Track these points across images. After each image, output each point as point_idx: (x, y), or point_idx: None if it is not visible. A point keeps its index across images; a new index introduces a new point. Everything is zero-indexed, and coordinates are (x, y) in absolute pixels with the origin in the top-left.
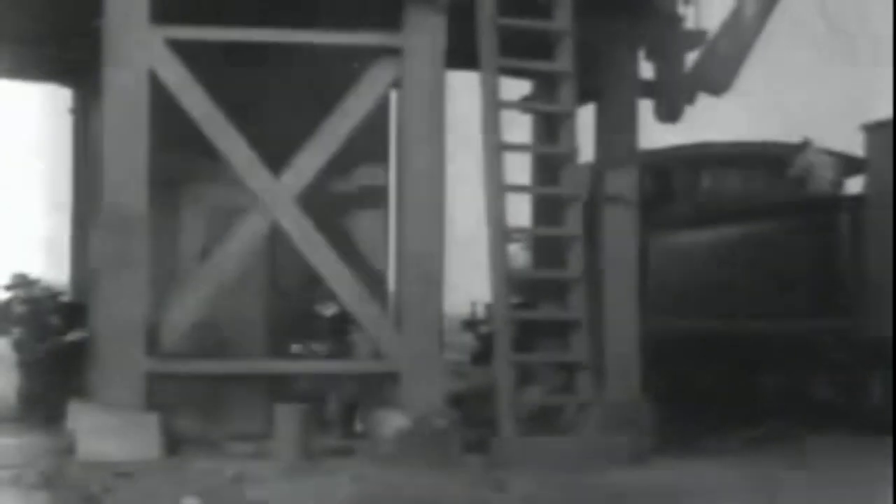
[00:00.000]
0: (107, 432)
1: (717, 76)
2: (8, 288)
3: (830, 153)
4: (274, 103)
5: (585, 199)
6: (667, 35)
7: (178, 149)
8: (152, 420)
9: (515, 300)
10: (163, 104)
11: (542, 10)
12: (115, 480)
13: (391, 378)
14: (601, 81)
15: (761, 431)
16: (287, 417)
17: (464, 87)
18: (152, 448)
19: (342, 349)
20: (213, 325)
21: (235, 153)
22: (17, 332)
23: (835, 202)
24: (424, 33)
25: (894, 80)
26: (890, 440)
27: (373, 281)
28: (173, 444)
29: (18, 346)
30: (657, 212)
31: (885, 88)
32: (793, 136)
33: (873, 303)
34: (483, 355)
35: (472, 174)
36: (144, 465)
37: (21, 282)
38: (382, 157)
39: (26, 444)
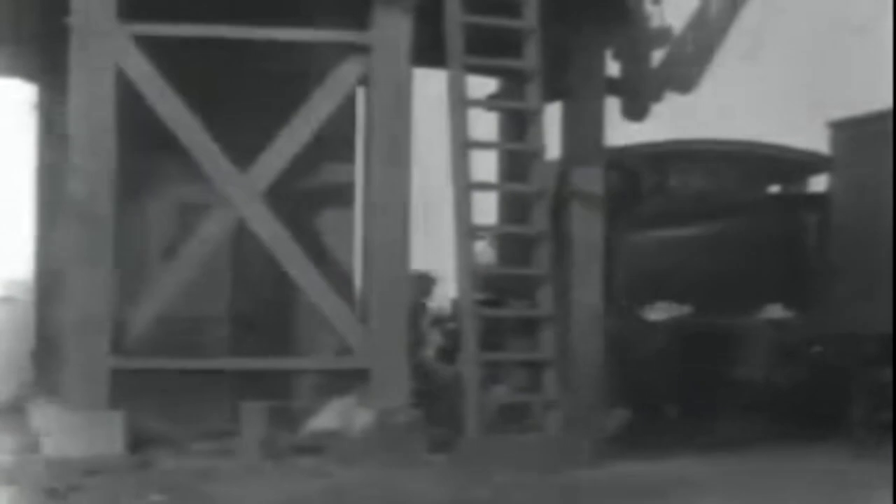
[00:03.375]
0: (71, 430)
1: (684, 74)
2: None
3: None
4: (241, 100)
5: (552, 197)
6: (633, 33)
7: (144, 145)
8: (117, 417)
9: (482, 297)
10: (130, 100)
11: (509, 8)
12: (81, 478)
13: (358, 375)
14: (568, 79)
15: (732, 428)
16: (252, 415)
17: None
18: (117, 445)
19: None
20: (179, 321)
21: (202, 149)
22: None
23: (801, 200)
24: (391, 31)
25: (894, 78)
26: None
27: (339, 278)
28: (138, 441)
29: None
30: (624, 210)
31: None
32: (760, 134)
33: (840, 300)
34: (449, 352)
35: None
36: (109, 463)
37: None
38: (349, 155)
39: None
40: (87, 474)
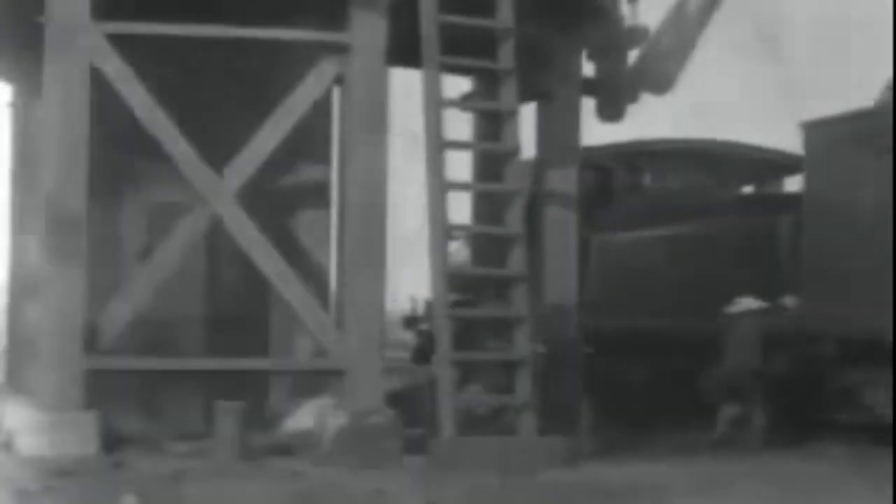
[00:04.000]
0: (45, 430)
1: (659, 75)
2: None
3: None
4: (217, 100)
5: (527, 197)
6: (609, 33)
7: (119, 145)
8: (91, 418)
9: (456, 297)
10: (104, 100)
11: (485, 8)
12: (54, 478)
13: (334, 376)
14: (544, 80)
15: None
16: (226, 415)
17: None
18: (91, 446)
19: None
20: (154, 322)
21: (176, 150)
22: None
23: (774, 200)
24: (367, 30)
25: (894, 75)
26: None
27: (314, 278)
28: (112, 442)
29: None
30: (598, 209)
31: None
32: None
33: (812, 302)
34: (424, 352)
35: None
36: (83, 463)
37: None
38: (325, 154)
39: None
40: (61, 475)
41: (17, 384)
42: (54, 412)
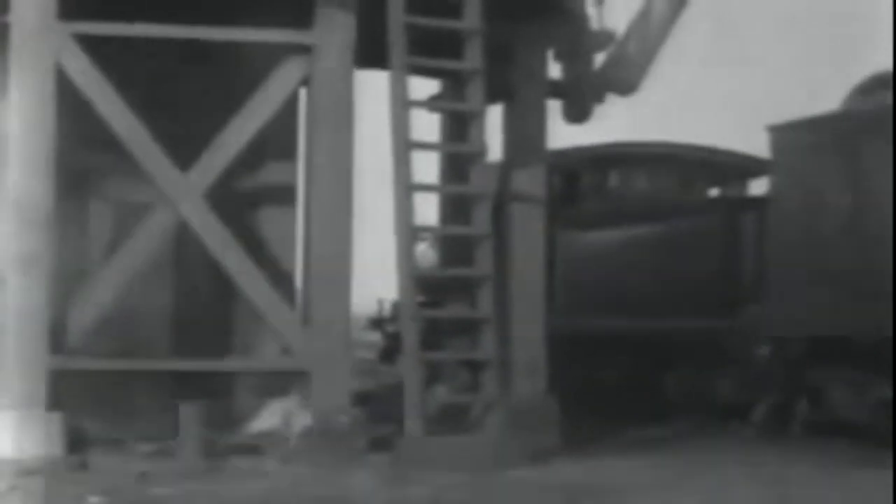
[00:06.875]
0: (9, 430)
1: (625, 77)
2: None
3: None
4: (183, 100)
5: (493, 198)
6: (575, 35)
7: (85, 145)
8: (56, 418)
9: (422, 298)
10: (71, 100)
11: (452, 9)
12: (17, 479)
13: (299, 376)
14: (510, 81)
15: (667, 430)
16: (190, 416)
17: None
18: (56, 446)
19: None
20: (120, 322)
21: (142, 149)
22: None
23: (740, 203)
24: (334, 31)
25: (894, 77)
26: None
27: (280, 278)
28: (77, 442)
29: None
30: (565, 211)
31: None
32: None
33: (775, 305)
34: (390, 353)
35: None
36: (48, 464)
37: None
38: (291, 155)
39: None
40: (25, 475)
41: None
42: (18, 412)
